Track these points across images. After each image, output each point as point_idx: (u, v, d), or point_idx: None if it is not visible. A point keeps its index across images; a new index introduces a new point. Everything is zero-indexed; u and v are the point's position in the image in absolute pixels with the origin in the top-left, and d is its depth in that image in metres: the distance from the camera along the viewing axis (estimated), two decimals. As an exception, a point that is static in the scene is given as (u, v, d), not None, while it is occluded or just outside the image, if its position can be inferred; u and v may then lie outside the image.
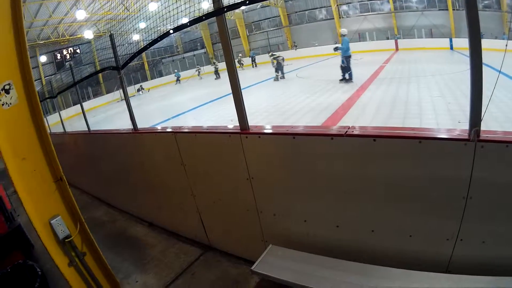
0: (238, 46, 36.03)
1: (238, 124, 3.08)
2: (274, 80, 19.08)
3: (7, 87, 2.40)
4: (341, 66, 13.87)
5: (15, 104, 2.46)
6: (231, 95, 2.96)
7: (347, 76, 13.91)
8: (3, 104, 2.39)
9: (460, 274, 2.20)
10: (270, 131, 2.95)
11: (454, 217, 2.21)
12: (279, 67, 19.14)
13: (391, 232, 2.51)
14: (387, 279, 2.35)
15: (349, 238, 2.75)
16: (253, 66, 32.09)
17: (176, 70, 34.40)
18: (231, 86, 2.96)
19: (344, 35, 13.68)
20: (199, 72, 32.23)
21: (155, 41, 3.75)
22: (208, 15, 2.97)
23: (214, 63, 29.33)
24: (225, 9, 2.80)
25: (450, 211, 2.22)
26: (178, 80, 32.14)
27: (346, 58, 13.58)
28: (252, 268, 2.88)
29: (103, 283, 3.00)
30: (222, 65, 33.97)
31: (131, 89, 28.14)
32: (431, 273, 2.27)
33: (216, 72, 28.16)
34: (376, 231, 2.57)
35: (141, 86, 30.67)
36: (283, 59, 19.29)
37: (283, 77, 19.33)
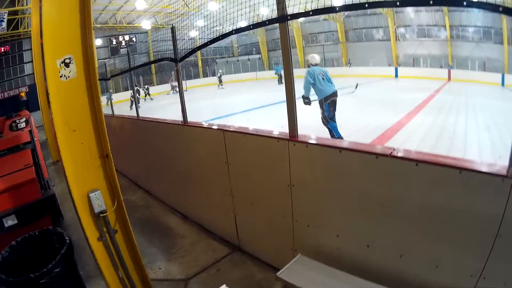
0: (294, 57, 35.36)
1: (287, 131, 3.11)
2: None
3: (67, 60, 2.48)
4: None
5: (73, 78, 2.55)
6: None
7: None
8: (61, 76, 2.49)
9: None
10: (318, 142, 2.92)
11: (481, 253, 2.10)
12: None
13: (419, 260, 2.43)
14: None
15: (377, 260, 2.67)
16: (279, 83, 27.42)
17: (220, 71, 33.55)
18: (286, 93, 3.00)
19: None
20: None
21: (216, 39, 3.77)
22: (271, 21, 3.00)
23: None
24: (289, 17, 2.83)
25: (478, 247, 2.11)
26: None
27: None
28: (278, 274, 2.86)
29: (128, 263, 3.03)
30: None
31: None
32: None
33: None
34: (405, 257, 2.49)
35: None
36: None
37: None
